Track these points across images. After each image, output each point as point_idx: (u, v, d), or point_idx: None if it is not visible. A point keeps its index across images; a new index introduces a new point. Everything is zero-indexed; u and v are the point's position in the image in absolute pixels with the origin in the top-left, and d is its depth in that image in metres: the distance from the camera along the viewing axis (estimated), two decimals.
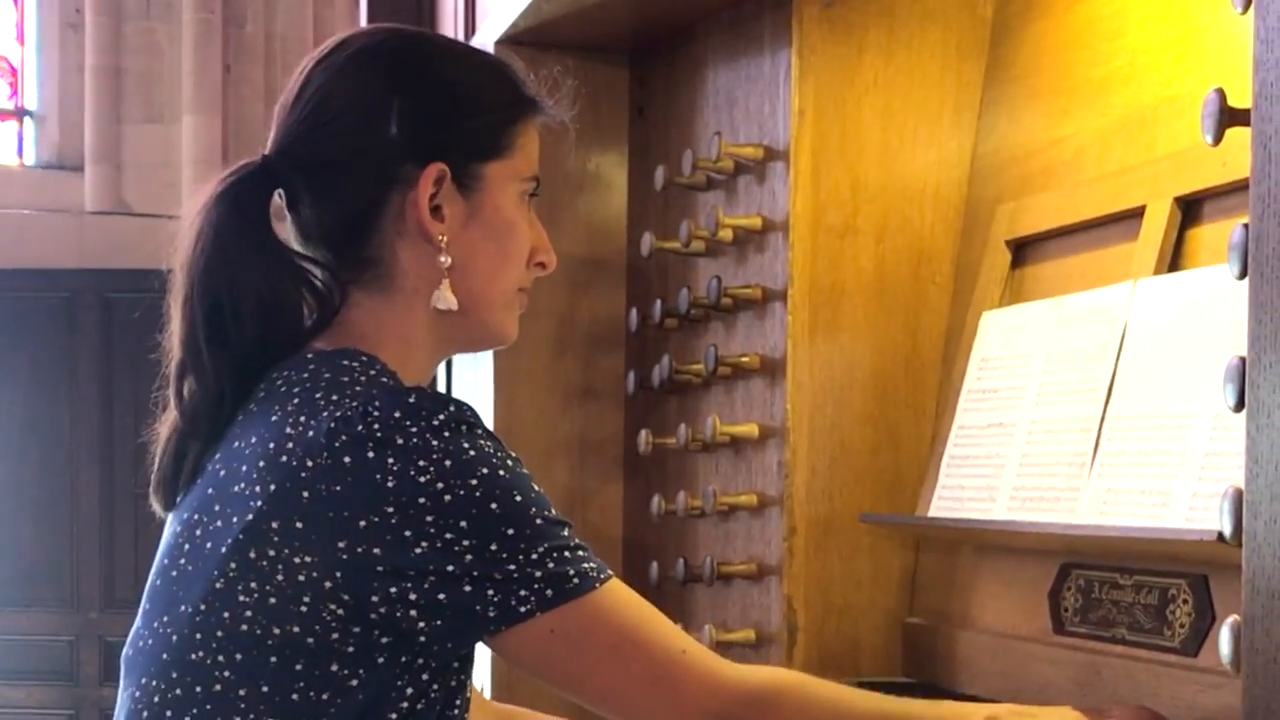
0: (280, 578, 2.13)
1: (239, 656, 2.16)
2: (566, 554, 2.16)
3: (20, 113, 11.65)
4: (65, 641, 10.58)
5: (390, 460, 2.11)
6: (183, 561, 2.26)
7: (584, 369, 4.14)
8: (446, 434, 2.13)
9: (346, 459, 2.12)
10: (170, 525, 2.36)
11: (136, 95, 11.30)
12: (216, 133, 11.03)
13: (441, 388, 4.27)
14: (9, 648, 10.57)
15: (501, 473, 2.15)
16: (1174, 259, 2.87)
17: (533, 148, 2.45)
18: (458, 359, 4.42)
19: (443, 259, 2.34)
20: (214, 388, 2.32)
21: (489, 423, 3.99)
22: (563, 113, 2.52)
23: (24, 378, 10.57)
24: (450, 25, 4.60)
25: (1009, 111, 3.41)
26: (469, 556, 2.11)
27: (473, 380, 4.22)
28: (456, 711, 2.24)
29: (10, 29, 11.71)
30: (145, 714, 2.24)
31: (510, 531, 2.13)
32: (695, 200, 3.76)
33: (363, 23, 5.12)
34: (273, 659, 2.14)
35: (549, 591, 2.14)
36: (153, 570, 2.34)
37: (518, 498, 2.15)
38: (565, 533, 2.19)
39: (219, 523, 2.21)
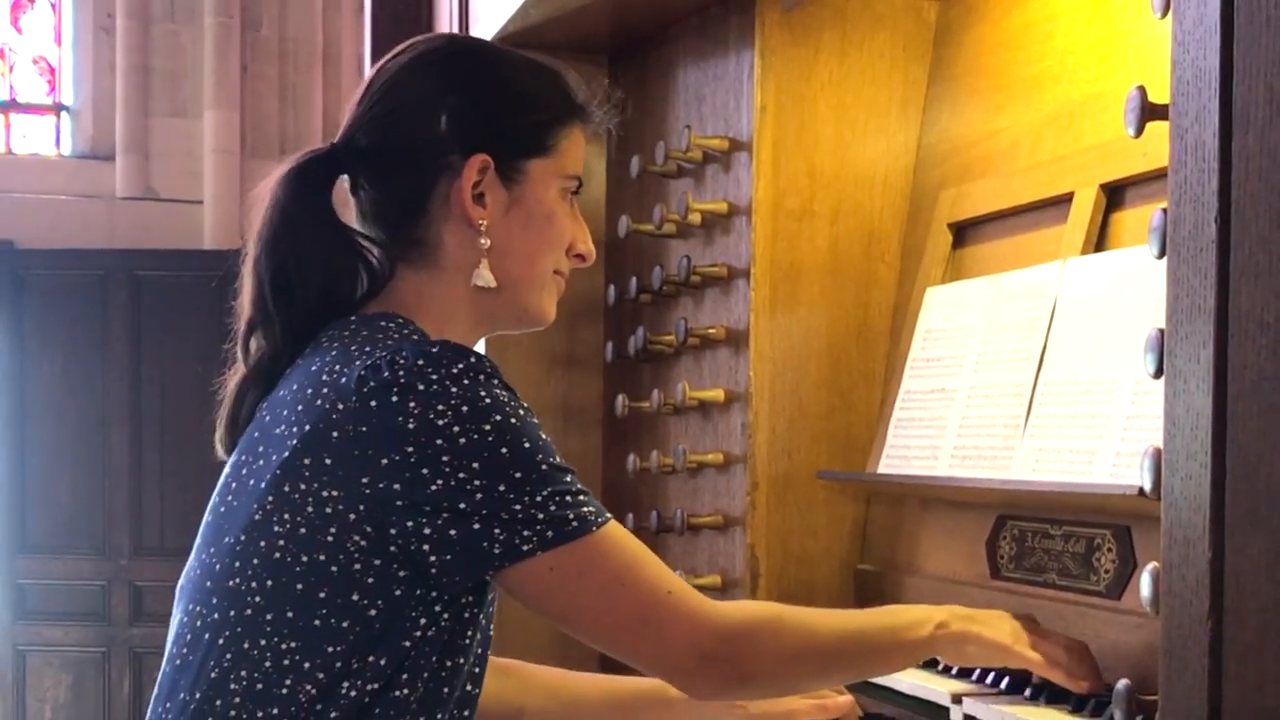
0: (310, 510, 2.15)
1: (270, 583, 2.17)
2: (568, 498, 2.16)
3: (57, 107, 11.59)
4: (98, 586, 10.54)
5: (412, 404, 2.12)
6: (230, 499, 2.28)
7: (567, 340, 4.14)
8: (465, 381, 2.14)
9: (373, 402, 2.14)
10: (225, 470, 2.37)
11: (163, 91, 11.24)
12: (235, 125, 10.97)
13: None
14: (47, 591, 10.55)
15: (513, 420, 2.15)
16: (1099, 240, 2.87)
17: (576, 151, 2.47)
18: None
19: (483, 241, 2.35)
20: (278, 344, 2.36)
21: None
22: (609, 121, 2.54)
23: (62, 347, 10.53)
24: (445, 29, 4.57)
25: (951, 106, 3.40)
26: (479, 495, 2.11)
27: None
28: (466, 641, 2.23)
29: (48, 31, 11.65)
30: (188, 636, 2.25)
31: (518, 474, 2.13)
32: (667, 187, 3.75)
33: (367, 27, 5.10)
34: (299, 586, 2.15)
35: (550, 532, 2.14)
36: (207, 510, 2.35)
37: (526, 444, 2.14)
38: (568, 479, 2.18)
39: (261, 461, 2.23)
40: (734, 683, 2.28)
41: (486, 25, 3.93)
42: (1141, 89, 2.05)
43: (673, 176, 3.72)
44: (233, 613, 2.20)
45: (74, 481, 10.55)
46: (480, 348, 4.00)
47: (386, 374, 2.14)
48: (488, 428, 2.13)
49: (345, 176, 2.43)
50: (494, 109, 2.39)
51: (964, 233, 3.28)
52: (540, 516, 2.14)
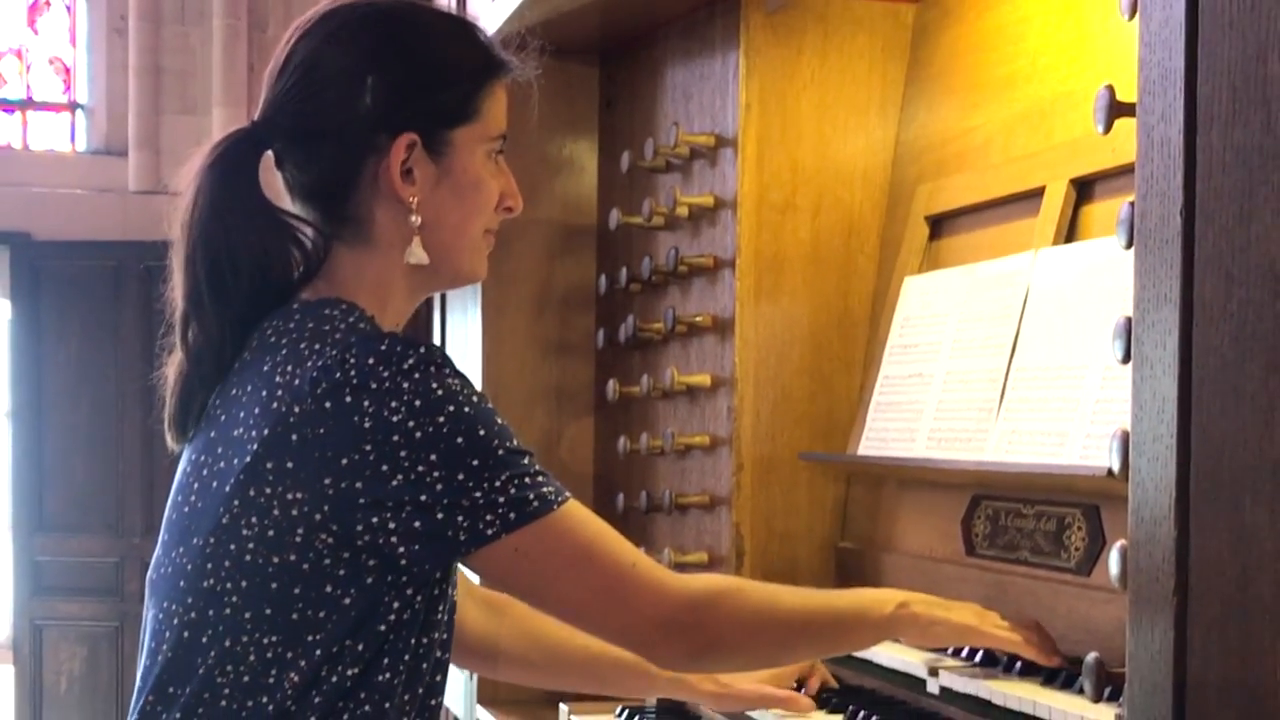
0: (276, 512, 2.11)
1: (244, 583, 2.13)
2: (527, 480, 2.12)
3: (72, 105, 11.60)
4: (112, 563, 10.55)
5: (366, 403, 2.07)
6: (193, 498, 2.23)
7: (560, 327, 4.14)
8: (416, 375, 2.09)
9: (328, 404, 2.09)
10: (182, 463, 2.32)
11: (173, 90, 11.24)
12: (242, 122, 10.93)
13: (436, 343, 4.25)
14: (63, 568, 10.56)
15: (466, 409, 2.10)
16: (1069, 232, 2.87)
17: (499, 109, 2.35)
18: (451, 321, 4.42)
19: (414, 218, 2.26)
20: (215, 333, 2.27)
21: (478, 374, 4.00)
22: (529, 71, 2.42)
23: (77, 334, 10.55)
24: None
25: (927, 105, 3.40)
26: (439, 486, 2.08)
27: (463, 336, 4.21)
28: (438, 616, 2.21)
29: (63, 32, 11.66)
30: (167, 634, 2.21)
31: (475, 462, 2.09)
32: (656, 181, 3.75)
33: None
34: (274, 585, 2.12)
35: (512, 515, 2.10)
36: (168, 504, 2.31)
37: (481, 431, 2.10)
38: (526, 461, 2.14)
39: (222, 464, 2.18)
40: (698, 652, 2.26)
41: (484, 26, 3.91)
42: (1110, 88, 2.04)
43: (661, 171, 3.71)
44: (211, 612, 2.16)
45: (89, 463, 10.56)
46: (478, 336, 4.03)
47: (339, 374, 2.09)
48: (442, 419, 2.08)
49: (270, 153, 2.33)
50: (417, 85, 2.28)
51: (940, 225, 3.28)
52: (501, 500, 2.10)
